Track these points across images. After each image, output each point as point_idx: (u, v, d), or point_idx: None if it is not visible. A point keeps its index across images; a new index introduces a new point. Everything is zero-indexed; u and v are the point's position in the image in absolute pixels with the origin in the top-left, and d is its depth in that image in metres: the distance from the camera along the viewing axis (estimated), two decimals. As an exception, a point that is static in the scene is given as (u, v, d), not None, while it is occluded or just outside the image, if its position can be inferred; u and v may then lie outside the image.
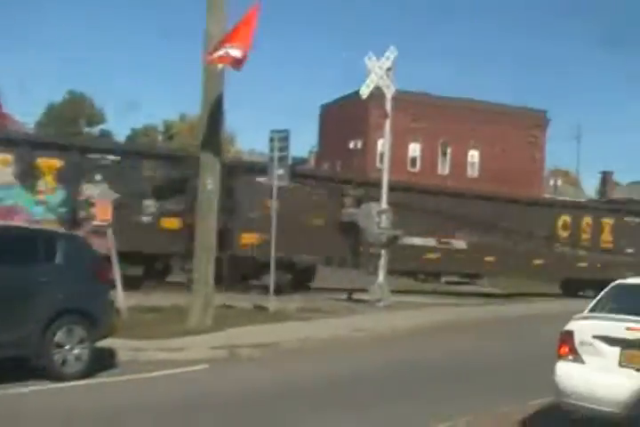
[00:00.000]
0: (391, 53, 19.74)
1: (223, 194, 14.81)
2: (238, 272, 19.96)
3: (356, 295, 19.81)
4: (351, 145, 51.81)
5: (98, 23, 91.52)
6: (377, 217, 19.31)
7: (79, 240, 10.44)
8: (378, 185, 20.02)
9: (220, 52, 12.35)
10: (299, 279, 21.40)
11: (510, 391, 9.17)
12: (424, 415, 7.94)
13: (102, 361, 9.85)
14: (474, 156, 59.46)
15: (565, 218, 26.85)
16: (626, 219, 28.17)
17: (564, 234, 26.82)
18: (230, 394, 8.93)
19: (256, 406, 8.34)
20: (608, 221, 27.72)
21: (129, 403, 8.19)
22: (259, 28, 12.66)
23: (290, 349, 12.28)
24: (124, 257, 14.67)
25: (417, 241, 22.81)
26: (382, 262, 19.24)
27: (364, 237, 20.02)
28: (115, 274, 13.23)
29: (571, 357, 6.96)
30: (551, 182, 68.34)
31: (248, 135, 67.83)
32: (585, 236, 27.24)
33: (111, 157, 19.31)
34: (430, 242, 23.50)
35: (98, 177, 18.71)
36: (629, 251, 27.57)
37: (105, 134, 61.10)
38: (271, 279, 15.91)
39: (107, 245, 13.40)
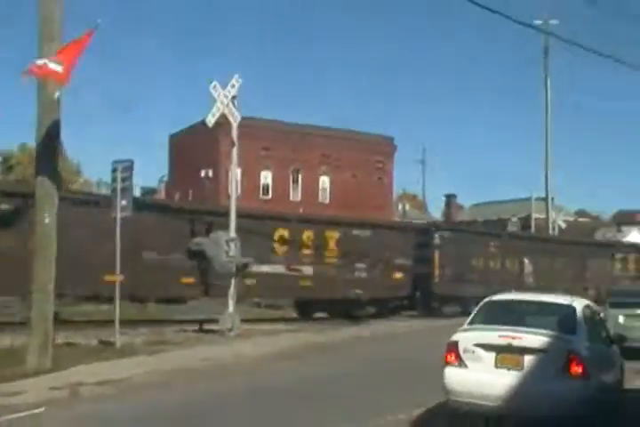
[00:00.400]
0: (236, 81, 19.57)
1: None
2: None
3: (208, 326, 19.54)
4: (202, 174, 51.62)
5: None
6: (225, 245, 19.21)
7: None
8: (226, 214, 19.86)
9: (39, 63, 11.86)
10: None
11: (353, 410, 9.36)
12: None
13: None
14: (325, 181, 60.69)
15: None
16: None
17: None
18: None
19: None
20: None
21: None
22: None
23: (134, 383, 11.89)
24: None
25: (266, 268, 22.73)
26: (232, 291, 19.06)
27: (212, 266, 19.82)
28: None
29: (456, 363, 8.44)
30: (400, 207, 70.76)
31: (96, 166, 66.16)
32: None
33: None
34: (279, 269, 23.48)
35: None
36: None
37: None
38: (116, 313, 15.41)
39: None
